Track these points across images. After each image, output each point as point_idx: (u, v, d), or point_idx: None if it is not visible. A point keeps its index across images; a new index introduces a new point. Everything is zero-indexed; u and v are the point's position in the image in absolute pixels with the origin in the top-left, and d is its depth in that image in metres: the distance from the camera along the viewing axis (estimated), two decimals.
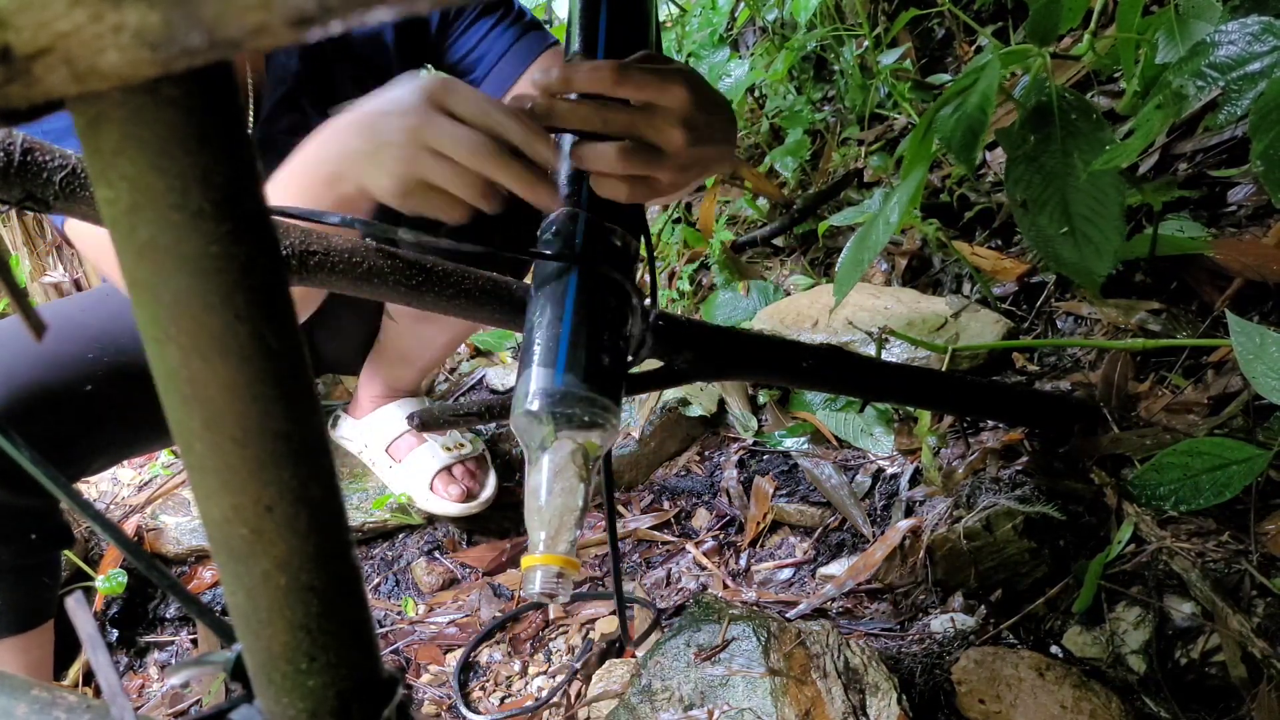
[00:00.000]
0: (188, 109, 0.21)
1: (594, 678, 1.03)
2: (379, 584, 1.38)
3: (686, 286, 1.73)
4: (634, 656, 1.06)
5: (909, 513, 1.12)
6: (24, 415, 0.93)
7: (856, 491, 1.19)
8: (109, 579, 1.29)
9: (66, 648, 1.25)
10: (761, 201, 1.76)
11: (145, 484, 1.58)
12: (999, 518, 0.95)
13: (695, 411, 1.41)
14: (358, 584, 0.30)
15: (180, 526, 1.43)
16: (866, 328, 1.22)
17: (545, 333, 0.61)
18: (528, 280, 0.73)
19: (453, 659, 1.17)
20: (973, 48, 1.73)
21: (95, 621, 0.40)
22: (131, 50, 0.18)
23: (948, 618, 0.95)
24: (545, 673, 1.11)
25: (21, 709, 0.37)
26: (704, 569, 1.21)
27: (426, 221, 0.65)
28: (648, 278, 0.75)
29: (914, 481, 1.15)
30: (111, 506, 1.54)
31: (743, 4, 2.00)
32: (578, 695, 1.04)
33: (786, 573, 1.15)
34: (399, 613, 1.30)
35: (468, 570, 1.36)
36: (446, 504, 1.38)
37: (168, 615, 1.37)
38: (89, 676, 1.27)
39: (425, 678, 1.15)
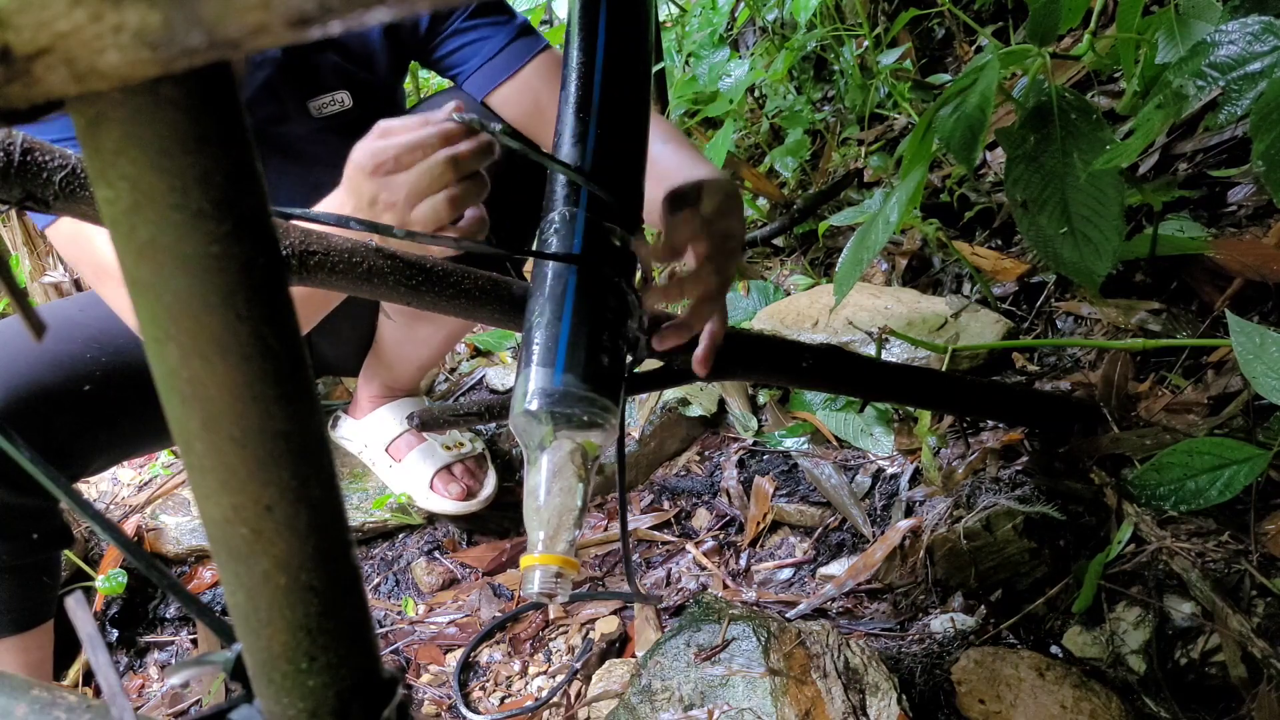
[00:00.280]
0: (188, 109, 0.21)
1: (594, 678, 1.03)
2: (379, 584, 1.38)
3: None
4: (634, 656, 1.06)
5: (909, 513, 1.12)
6: (22, 415, 0.93)
7: (856, 491, 1.19)
8: (109, 579, 1.29)
9: (66, 648, 1.25)
10: (761, 201, 1.76)
11: (145, 484, 1.58)
12: (999, 518, 0.95)
13: (695, 411, 1.41)
14: (358, 584, 0.30)
15: (180, 526, 1.43)
16: (866, 328, 1.22)
17: (544, 332, 0.61)
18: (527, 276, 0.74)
19: (453, 659, 1.17)
20: (973, 48, 1.73)
21: (95, 621, 0.40)
22: (131, 50, 0.18)
23: (948, 618, 0.95)
24: (545, 673, 1.11)
25: (21, 709, 0.37)
26: (704, 569, 1.21)
27: None
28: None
29: (914, 481, 1.15)
30: (111, 506, 1.54)
31: (743, 4, 2.00)
32: (578, 695, 1.04)
33: (786, 573, 1.15)
34: (399, 613, 1.30)
35: (468, 570, 1.36)
36: (446, 503, 1.39)
37: (168, 615, 1.37)
38: (89, 676, 1.27)
39: (425, 678, 1.15)
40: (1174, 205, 1.17)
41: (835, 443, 1.27)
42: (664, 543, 1.28)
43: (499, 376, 1.70)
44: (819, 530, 1.18)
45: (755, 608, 0.97)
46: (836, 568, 1.12)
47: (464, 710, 1.07)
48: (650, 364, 0.76)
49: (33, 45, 0.18)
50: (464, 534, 1.43)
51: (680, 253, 0.71)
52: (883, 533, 1.11)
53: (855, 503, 1.18)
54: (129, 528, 1.45)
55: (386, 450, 1.46)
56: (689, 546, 1.25)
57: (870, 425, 1.25)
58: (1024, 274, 1.28)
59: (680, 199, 0.72)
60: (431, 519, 1.45)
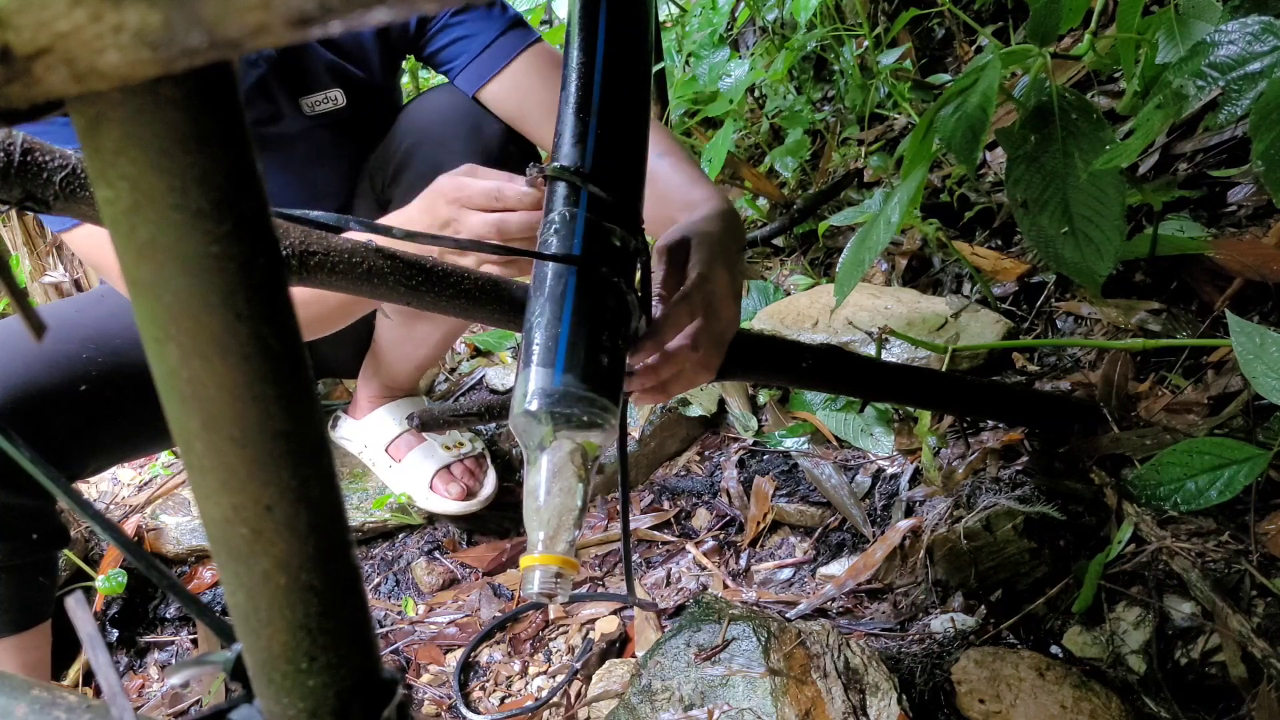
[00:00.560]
0: (188, 109, 0.21)
1: (594, 678, 1.03)
2: (379, 584, 1.38)
3: None
4: (634, 656, 1.06)
5: (909, 513, 1.12)
6: (20, 415, 0.93)
7: (856, 491, 1.19)
8: (109, 579, 1.29)
9: (66, 648, 1.25)
10: (761, 201, 1.76)
11: (145, 484, 1.58)
12: (999, 518, 0.95)
13: (695, 411, 1.41)
14: (358, 584, 0.30)
15: (180, 526, 1.43)
16: (866, 328, 1.22)
17: (544, 333, 0.61)
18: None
19: (453, 659, 1.17)
20: (973, 48, 1.73)
21: (95, 621, 0.40)
22: (132, 50, 0.18)
23: (948, 618, 0.95)
24: (545, 673, 1.11)
25: (21, 709, 0.37)
26: (704, 569, 1.21)
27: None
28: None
29: (914, 481, 1.15)
30: (111, 506, 1.54)
31: (743, 4, 2.00)
32: (578, 695, 1.04)
33: (786, 573, 1.15)
34: (399, 613, 1.30)
35: (468, 570, 1.36)
36: (446, 502, 1.39)
37: (168, 615, 1.37)
38: (89, 676, 1.27)
39: (425, 678, 1.15)
40: (1174, 205, 1.17)
41: (835, 443, 1.27)
42: (664, 543, 1.28)
43: (499, 376, 1.70)
44: (819, 530, 1.18)
45: (755, 608, 0.97)
46: (836, 568, 1.12)
47: (464, 710, 1.07)
48: None
49: (33, 45, 0.18)
50: (464, 534, 1.43)
51: (668, 342, 0.71)
52: (883, 533, 1.11)
53: (855, 503, 1.18)
54: (129, 528, 1.45)
55: (386, 450, 1.46)
56: (689, 546, 1.25)
57: (870, 425, 1.25)
58: (1024, 274, 1.28)
59: (682, 297, 0.71)
60: (431, 519, 1.45)
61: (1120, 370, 1.04)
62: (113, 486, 1.59)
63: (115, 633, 1.34)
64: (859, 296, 1.32)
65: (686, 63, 2.00)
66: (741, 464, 1.33)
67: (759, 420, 1.38)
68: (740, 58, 1.86)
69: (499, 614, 1.22)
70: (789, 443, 1.31)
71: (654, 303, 0.71)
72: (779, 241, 1.71)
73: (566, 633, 1.16)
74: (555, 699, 1.04)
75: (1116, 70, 1.30)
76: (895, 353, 1.22)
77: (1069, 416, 1.04)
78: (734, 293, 0.75)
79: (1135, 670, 0.83)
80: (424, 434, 1.44)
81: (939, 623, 0.95)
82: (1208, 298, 1.08)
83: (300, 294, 0.79)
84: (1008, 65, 0.95)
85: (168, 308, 0.23)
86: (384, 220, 0.86)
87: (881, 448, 1.22)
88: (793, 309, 1.36)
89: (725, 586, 1.15)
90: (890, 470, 1.19)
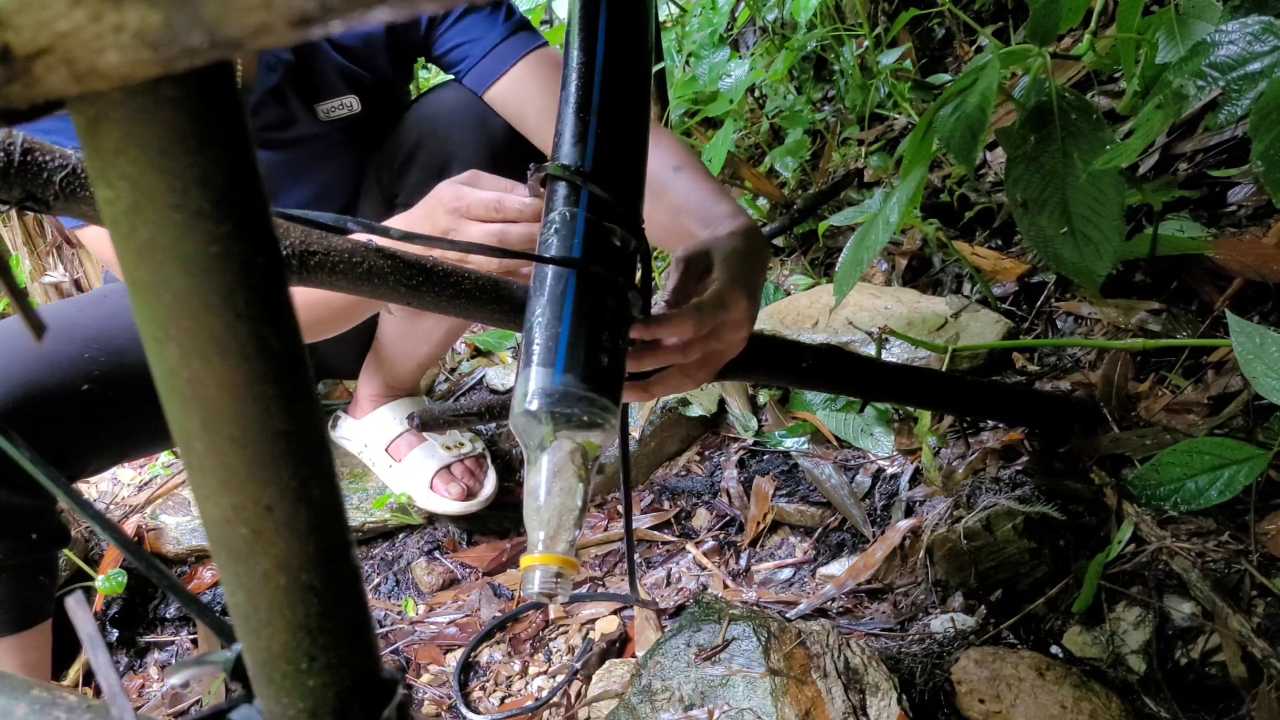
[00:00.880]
0: (188, 109, 0.21)
1: (594, 678, 1.03)
2: (379, 584, 1.38)
3: None
4: (634, 656, 1.06)
5: (909, 513, 1.12)
6: (20, 415, 0.93)
7: (856, 491, 1.19)
8: (109, 579, 1.29)
9: (66, 648, 1.25)
10: (761, 201, 1.76)
11: (145, 484, 1.58)
12: (999, 518, 0.95)
13: (695, 411, 1.41)
14: (358, 584, 0.30)
15: (180, 526, 1.43)
16: (866, 328, 1.22)
17: (544, 333, 0.61)
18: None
19: (453, 659, 1.17)
20: (973, 48, 1.73)
21: (95, 621, 0.40)
22: (132, 50, 0.18)
23: (948, 618, 0.95)
24: (545, 673, 1.11)
25: (21, 709, 0.37)
26: (704, 569, 1.21)
27: None
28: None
29: (914, 481, 1.15)
30: (111, 506, 1.54)
31: (743, 4, 2.00)
32: (578, 695, 1.04)
33: (786, 573, 1.15)
34: (399, 613, 1.30)
35: (468, 570, 1.36)
36: (446, 502, 1.39)
37: (168, 615, 1.37)
38: (89, 676, 1.27)
39: (425, 678, 1.15)
40: (1174, 205, 1.17)
41: (835, 443, 1.27)
42: (664, 543, 1.28)
43: (499, 376, 1.70)
44: (819, 530, 1.18)
45: (755, 608, 0.97)
46: (836, 568, 1.12)
47: (464, 710, 1.07)
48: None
49: (33, 45, 0.18)
50: (464, 534, 1.43)
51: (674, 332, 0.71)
52: (883, 533, 1.11)
53: (855, 503, 1.18)
54: (129, 528, 1.45)
55: (386, 450, 1.46)
56: (689, 546, 1.25)
57: (870, 425, 1.25)
58: (1024, 274, 1.28)
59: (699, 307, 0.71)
60: (431, 519, 1.45)
61: (1120, 370, 1.04)
62: (113, 486, 1.59)
63: (115, 633, 1.34)
64: (859, 296, 1.32)
65: (686, 63, 2.00)
66: (741, 464, 1.33)
67: (759, 420, 1.38)
68: (740, 58, 1.86)
69: (499, 614, 1.22)
70: (789, 443, 1.31)
71: (660, 308, 0.70)
72: (779, 241, 1.71)
73: (566, 633, 1.16)
74: (555, 699, 1.04)
75: (1116, 70, 1.30)
76: (895, 353, 1.22)
77: (1069, 416, 1.04)
78: (748, 319, 0.73)
79: (1135, 670, 0.83)
80: (424, 434, 1.44)
81: (939, 623, 0.95)
82: (1208, 298, 1.08)
83: (305, 295, 0.79)
84: (1007, 65, 0.95)
85: (168, 308, 0.23)
86: (388, 223, 0.86)
87: (881, 448, 1.22)
88: (793, 309, 1.36)
89: (725, 586, 1.15)
90: (890, 470, 1.19)
